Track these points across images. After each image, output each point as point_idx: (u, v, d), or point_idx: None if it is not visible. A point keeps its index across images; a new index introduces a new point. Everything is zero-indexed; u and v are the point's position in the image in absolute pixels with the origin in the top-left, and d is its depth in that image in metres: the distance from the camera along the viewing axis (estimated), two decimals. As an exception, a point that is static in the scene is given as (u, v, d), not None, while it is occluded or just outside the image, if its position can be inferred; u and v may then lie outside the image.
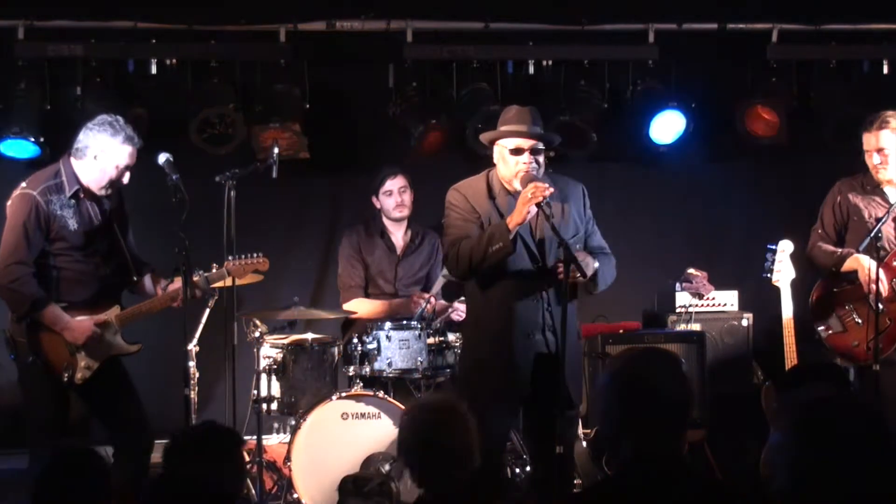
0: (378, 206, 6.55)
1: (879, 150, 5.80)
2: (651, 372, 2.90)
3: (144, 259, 5.55)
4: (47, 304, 5.13)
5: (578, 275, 4.64)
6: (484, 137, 5.07)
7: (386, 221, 6.56)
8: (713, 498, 2.86)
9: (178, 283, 5.27)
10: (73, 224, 5.18)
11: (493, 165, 5.00)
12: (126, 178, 5.25)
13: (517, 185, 4.82)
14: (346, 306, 6.46)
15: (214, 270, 5.43)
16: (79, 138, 5.22)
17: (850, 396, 2.52)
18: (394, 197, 6.48)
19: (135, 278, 5.41)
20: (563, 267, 4.63)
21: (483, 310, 4.96)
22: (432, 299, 6.20)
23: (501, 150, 4.90)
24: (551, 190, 4.68)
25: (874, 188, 5.91)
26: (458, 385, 5.43)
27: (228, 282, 5.49)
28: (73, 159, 5.21)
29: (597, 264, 4.87)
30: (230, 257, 5.42)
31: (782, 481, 2.44)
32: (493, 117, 5.38)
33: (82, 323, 5.18)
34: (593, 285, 4.92)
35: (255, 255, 5.48)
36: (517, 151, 4.85)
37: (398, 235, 6.59)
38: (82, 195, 5.22)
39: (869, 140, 5.83)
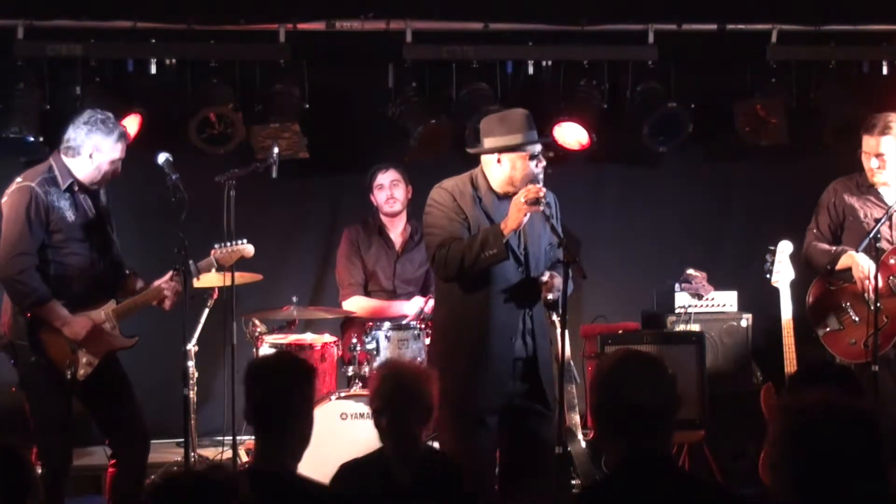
0: (375, 202, 6.55)
1: (879, 156, 5.76)
2: (629, 377, 2.90)
3: (128, 261, 5.52)
4: (50, 300, 5.12)
5: (551, 296, 4.66)
6: (498, 145, 4.75)
7: (383, 218, 6.56)
8: (706, 499, 2.86)
9: (164, 277, 5.27)
10: (70, 215, 5.18)
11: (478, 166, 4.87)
12: (118, 170, 5.27)
13: (509, 189, 4.73)
14: (345, 304, 6.45)
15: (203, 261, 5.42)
16: (70, 136, 5.20)
17: (848, 402, 2.50)
18: (385, 191, 6.49)
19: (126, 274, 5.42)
20: (550, 277, 4.66)
21: (463, 313, 4.80)
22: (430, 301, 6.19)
23: (513, 157, 4.72)
24: (544, 190, 4.59)
25: (868, 188, 5.89)
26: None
27: (227, 281, 5.48)
28: (64, 157, 5.20)
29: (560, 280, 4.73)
30: (216, 245, 5.39)
31: (780, 483, 2.44)
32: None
33: (81, 318, 5.18)
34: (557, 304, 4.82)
35: (239, 241, 5.44)
36: (533, 157, 4.73)
37: (396, 232, 6.58)
38: (76, 188, 5.22)
39: (869, 143, 5.79)
